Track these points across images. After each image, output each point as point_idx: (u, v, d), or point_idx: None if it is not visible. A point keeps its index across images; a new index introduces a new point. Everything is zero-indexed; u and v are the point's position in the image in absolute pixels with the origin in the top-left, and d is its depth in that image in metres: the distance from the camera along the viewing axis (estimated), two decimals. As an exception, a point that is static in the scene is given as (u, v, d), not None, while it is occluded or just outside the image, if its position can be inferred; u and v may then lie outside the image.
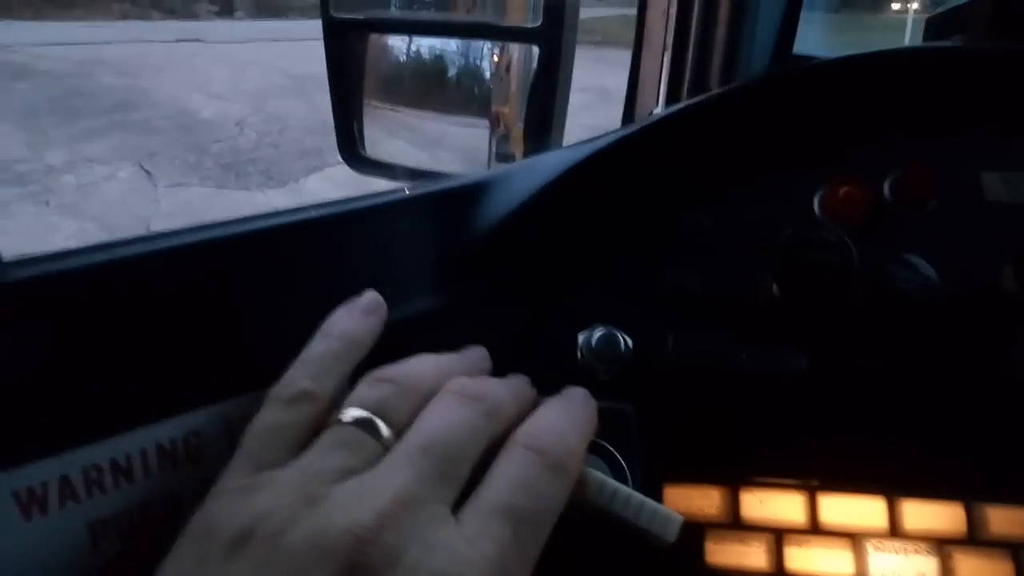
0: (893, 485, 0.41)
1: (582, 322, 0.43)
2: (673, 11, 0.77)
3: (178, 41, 9.17)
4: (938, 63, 0.49)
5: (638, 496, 0.34)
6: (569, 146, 0.47)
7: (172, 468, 0.33)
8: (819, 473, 0.40)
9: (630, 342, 0.42)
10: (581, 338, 0.43)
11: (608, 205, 0.46)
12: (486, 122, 1.16)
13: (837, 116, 0.48)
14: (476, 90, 1.22)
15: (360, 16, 0.88)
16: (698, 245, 0.46)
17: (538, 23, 0.80)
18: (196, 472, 0.34)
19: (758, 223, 0.45)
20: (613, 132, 0.47)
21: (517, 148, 0.98)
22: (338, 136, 0.95)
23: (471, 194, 0.45)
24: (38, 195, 4.62)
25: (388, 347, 0.39)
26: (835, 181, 0.46)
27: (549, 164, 0.46)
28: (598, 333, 0.42)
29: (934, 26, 0.59)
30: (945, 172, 0.46)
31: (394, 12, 1.00)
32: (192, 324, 0.34)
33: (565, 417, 0.34)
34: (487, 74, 1.20)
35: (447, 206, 0.44)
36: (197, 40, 9.25)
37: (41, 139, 5.62)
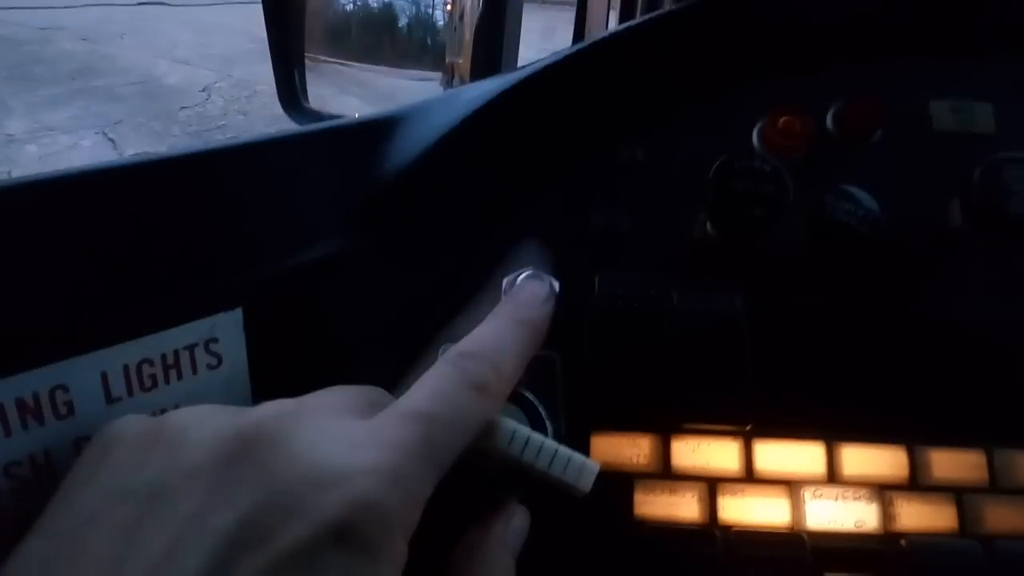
0: (832, 430, 0.39)
1: (506, 265, 0.40)
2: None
3: (140, 4, 8.90)
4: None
5: (551, 445, 0.32)
6: (494, 76, 0.44)
7: (37, 426, 0.30)
8: (754, 419, 0.38)
9: (556, 285, 0.40)
10: (504, 282, 0.40)
11: (534, 138, 0.43)
12: (440, 75, 1.12)
13: (779, 42, 0.45)
14: (429, 41, 1.17)
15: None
16: (630, 181, 0.43)
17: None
18: (66, 431, 0.31)
19: (694, 157, 0.42)
20: (540, 61, 0.43)
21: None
22: (278, 89, 0.90)
23: (386, 128, 0.41)
24: (-2, 166, 4.49)
25: (293, 293, 0.37)
26: (775, 111, 0.43)
27: (471, 95, 0.43)
28: (522, 276, 0.39)
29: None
30: (892, 101, 0.43)
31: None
32: (65, 262, 0.31)
33: (503, 336, 0.32)
34: (440, 24, 1.15)
35: (359, 141, 0.41)
36: (161, 3, 8.99)
37: (0, 108, 5.45)
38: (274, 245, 0.36)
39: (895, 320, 0.40)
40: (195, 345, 0.34)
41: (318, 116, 0.91)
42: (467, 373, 0.29)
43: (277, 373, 0.36)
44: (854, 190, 0.39)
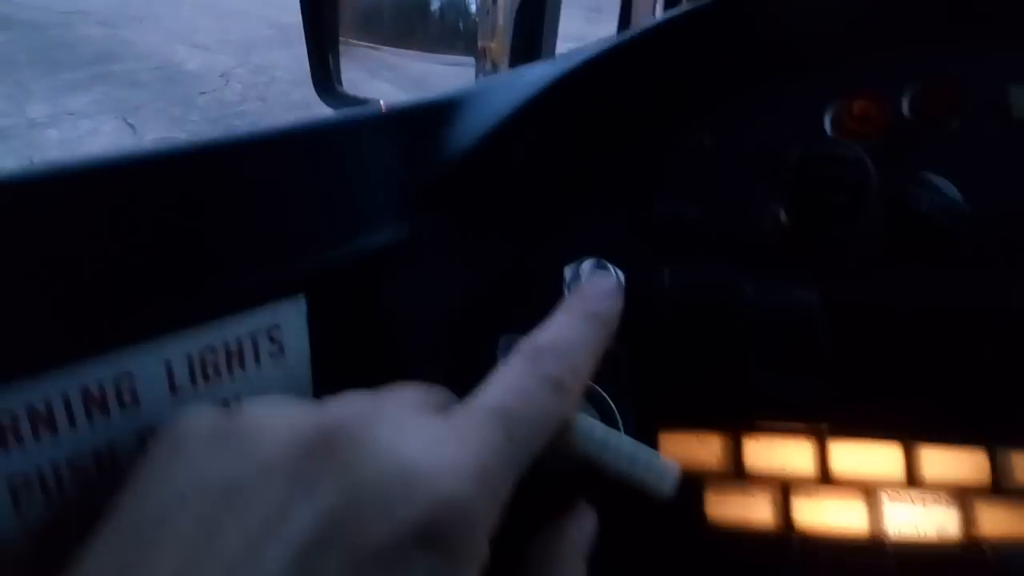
0: (910, 430, 0.37)
1: (569, 255, 0.39)
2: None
3: (160, -10, 8.93)
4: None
5: (630, 444, 0.30)
6: (555, 58, 0.42)
7: (101, 416, 0.29)
8: (830, 417, 0.37)
9: (622, 277, 0.38)
10: (568, 272, 0.38)
11: (598, 124, 0.42)
12: (472, 60, 1.10)
13: (851, 23, 0.43)
14: (461, 25, 1.16)
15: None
16: (698, 169, 0.41)
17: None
18: (130, 422, 0.30)
19: (763, 143, 0.41)
20: (603, 41, 0.41)
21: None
22: (312, 73, 0.89)
23: (446, 112, 0.40)
24: (20, 151, 4.51)
25: (356, 281, 0.35)
26: (849, 96, 0.41)
27: (532, 78, 0.41)
28: (586, 266, 0.38)
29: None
30: (969, 87, 0.41)
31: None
32: (128, 248, 0.30)
33: (576, 331, 0.31)
34: (472, 7, 1.14)
35: (420, 125, 0.39)
36: (179, -11, 9.01)
37: (22, 92, 5.48)
38: (337, 231, 0.34)
39: (976, 315, 0.38)
40: (258, 333, 0.32)
41: (352, 100, 0.90)
42: (544, 369, 0.28)
43: (338, 364, 0.35)
44: (937, 179, 0.37)
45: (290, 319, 0.33)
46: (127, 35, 6.90)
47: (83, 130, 4.83)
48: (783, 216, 0.38)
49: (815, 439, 0.37)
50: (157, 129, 4.92)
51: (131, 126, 4.93)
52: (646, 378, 0.37)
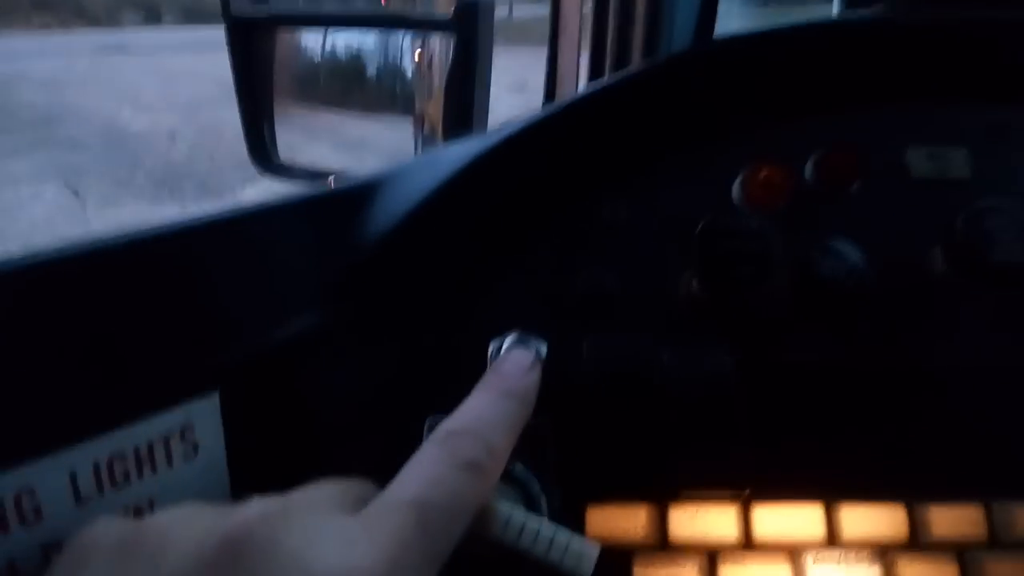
0: (830, 489, 0.38)
1: (493, 330, 0.39)
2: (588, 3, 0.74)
3: (103, 52, 8.87)
4: (855, 35, 0.46)
5: (549, 529, 0.30)
6: (474, 137, 0.43)
7: (1, 534, 0.28)
8: (752, 481, 0.37)
9: (543, 350, 0.39)
10: (492, 347, 0.39)
11: (517, 199, 0.43)
12: (411, 121, 1.11)
13: (754, 94, 0.45)
14: (399, 88, 1.17)
15: (263, 12, 0.83)
16: (615, 240, 0.42)
17: (450, 12, 0.76)
18: (33, 537, 0.29)
19: (677, 213, 0.42)
20: (521, 119, 0.43)
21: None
22: (248, 142, 0.89)
23: (363, 195, 0.40)
24: (-41, 218, 4.38)
25: (271, 373, 0.35)
26: (755, 164, 0.43)
27: (450, 157, 0.42)
28: (509, 341, 0.38)
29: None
30: (869, 150, 0.43)
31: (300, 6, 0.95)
32: (26, 357, 0.29)
33: (491, 410, 0.31)
34: (409, 71, 1.15)
35: (336, 209, 0.40)
36: (123, 51, 8.96)
37: (-40, 160, 5.35)
38: (251, 322, 0.34)
39: (883, 373, 0.39)
40: (170, 435, 0.32)
41: (288, 170, 0.91)
42: (457, 453, 0.28)
43: (256, 460, 0.34)
44: (839, 244, 0.39)
45: (203, 417, 0.33)
46: (70, 98, 6.82)
47: (24, 195, 4.72)
48: (695, 285, 0.39)
49: (739, 504, 0.37)
50: (102, 192, 4.84)
51: (75, 191, 4.84)
52: (571, 452, 0.37)
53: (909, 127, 0.45)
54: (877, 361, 0.39)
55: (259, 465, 0.34)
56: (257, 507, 0.25)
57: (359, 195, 0.40)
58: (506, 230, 0.42)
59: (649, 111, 0.44)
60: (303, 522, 0.24)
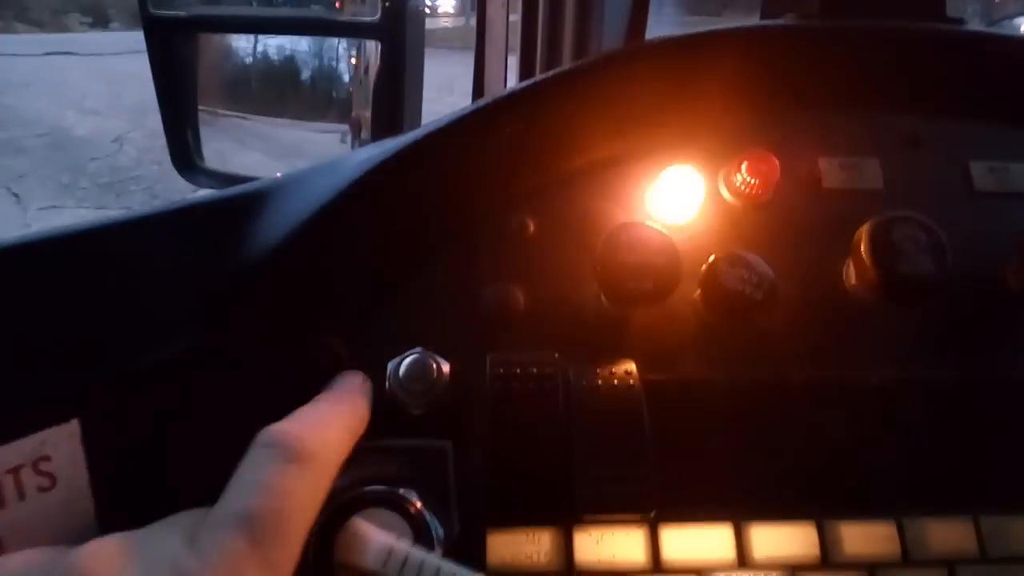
0: (739, 508, 0.37)
1: (392, 347, 0.37)
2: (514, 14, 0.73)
3: (47, 55, 8.62)
4: (768, 42, 0.45)
5: (432, 563, 0.29)
6: (378, 143, 0.41)
7: None
8: (659, 504, 0.36)
9: (445, 368, 0.37)
10: (391, 367, 0.37)
11: (420, 209, 0.41)
12: (347, 127, 1.09)
13: (667, 101, 0.44)
14: (334, 94, 1.14)
15: (182, 13, 0.80)
16: (522, 252, 0.41)
17: (376, 17, 0.74)
18: None
19: (585, 224, 0.41)
20: (421, 128, 0.41)
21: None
22: (170, 146, 0.86)
23: (252, 204, 0.38)
24: None
25: (140, 399, 0.33)
26: (668, 174, 0.41)
27: (350, 164, 0.40)
28: (408, 359, 0.37)
29: (770, 6, 0.56)
30: (783, 160, 0.43)
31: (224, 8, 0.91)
32: None
33: (319, 409, 0.31)
34: (345, 77, 1.13)
35: (220, 220, 0.37)
36: (69, 53, 8.72)
37: None
38: (116, 345, 0.32)
39: (792, 387, 0.38)
40: (20, 467, 0.29)
41: (215, 175, 0.87)
42: (279, 449, 0.27)
43: (126, 490, 0.32)
44: (747, 255, 0.37)
45: (61, 447, 0.30)
46: (10, 101, 6.60)
47: (-39, 202, 4.56)
48: (603, 298, 0.37)
49: (646, 526, 0.36)
50: (44, 197, 4.69)
51: (15, 195, 4.69)
52: (471, 474, 0.36)
53: (821, 137, 0.45)
54: (786, 376, 0.38)
55: (129, 495, 0.32)
56: (96, 547, 0.24)
57: (248, 203, 0.38)
58: (410, 241, 0.40)
59: (558, 120, 0.43)
60: (142, 560, 0.24)
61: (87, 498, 0.31)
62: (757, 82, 0.46)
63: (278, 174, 0.40)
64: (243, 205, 0.37)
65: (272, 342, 0.35)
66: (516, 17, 0.78)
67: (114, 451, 0.31)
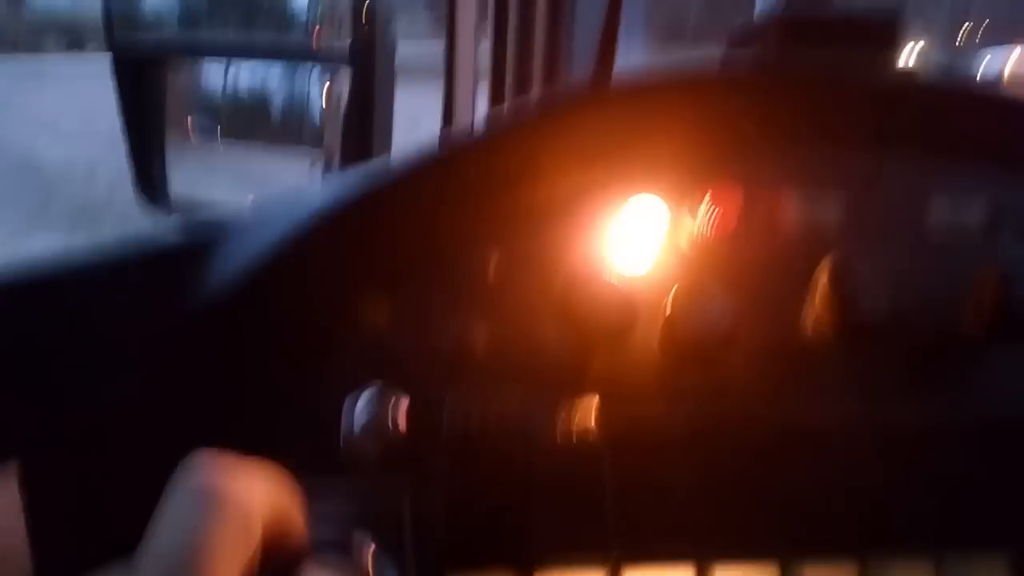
0: (702, 548, 0.36)
1: (349, 382, 0.36)
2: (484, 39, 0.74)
3: (21, 78, 8.56)
4: (729, 83, 0.45)
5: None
6: (343, 173, 0.41)
7: None
8: (621, 544, 0.35)
9: (404, 404, 0.36)
10: (348, 403, 0.36)
11: (379, 246, 0.40)
12: (320, 153, 1.08)
13: (631, 139, 0.44)
14: (306, 121, 1.14)
15: (152, 42, 0.79)
16: (484, 288, 0.40)
17: (346, 44, 0.74)
18: None
19: (546, 261, 0.40)
20: (384, 165, 0.40)
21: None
22: (136, 177, 0.85)
23: (210, 244, 0.37)
24: None
25: (81, 442, 0.31)
26: (630, 206, 0.41)
27: (309, 200, 0.39)
28: (365, 399, 0.36)
29: (734, 41, 0.56)
30: (746, 194, 0.43)
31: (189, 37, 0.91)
32: None
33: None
34: (317, 105, 1.12)
35: (172, 263, 0.37)
36: (43, 77, 8.66)
37: None
38: (59, 386, 0.31)
39: (755, 428, 0.38)
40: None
41: (181, 204, 0.86)
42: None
43: (63, 535, 0.30)
44: (711, 293, 0.37)
45: (-4, 492, 0.29)
46: (-19, 125, 6.54)
47: (-75, 227, 4.48)
48: (561, 341, 0.37)
49: (608, 569, 0.35)
50: (13, 223, 4.63)
51: (-16, 220, 4.62)
52: (429, 517, 0.35)
53: (784, 171, 0.45)
54: (747, 417, 0.38)
55: (65, 541, 0.30)
56: None
57: (202, 244, 0.37)
58: (367, 278, 0.40)
59: (522, 158, 0.43)
60: None
61: (22, 545, 0.30)
62: (720, 120, 0.46)
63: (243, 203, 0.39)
64: (198, 245, 0.36)
65: (221, 386, 0.34)
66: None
67: (54, 498, 0.30)
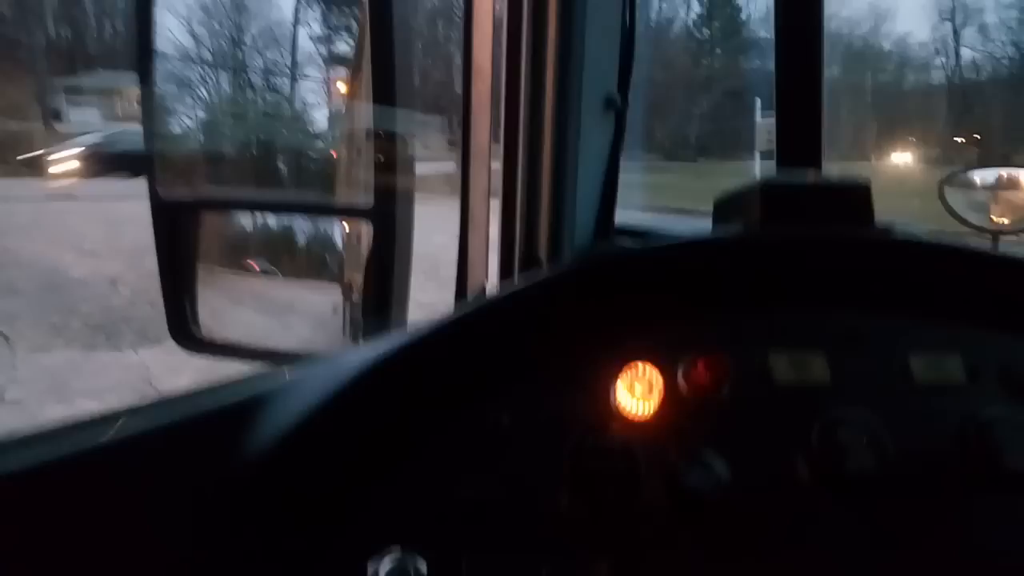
0: None
1: (368, 543, 0.39)
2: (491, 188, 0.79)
3: (50, 198, 8.90)
4: (716, 252, 0.50)
5: None
6: (370, 345, 0.45)
7: None
8: None
9: (424, 570, 0.39)
10: (370, 568, 0.39)
11: (397, 411, 0.44)
12: (339, 287, 1.14)
13: (632, 306, 0.48)
14: (328, 257, 1.21)
15: (190, 196, 0.86)
16: (497, 448, 0.44)
17: (370, 202, 0.80)
18: None
19: (556, 420, 0.44)
20: (416, 329, 0.45)
21: (371, 314, 0.96)
22: (168, 315, 0.90)
23: (249, 410, 0.41)
24: None
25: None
26: (631, 370, 0.45)
27: (338, 370, 0.43)
28: (388, 563, 0.39)
29: (719, 208, 0.62)
30: (735, 355, 0.46)
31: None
32: None
33: None
34: (339, 241, 1.19)
35: (220, 427, 0.40)
36: (70, 197, 9.00)
37: None
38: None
39: None
40: None
41: (209, 345, 0.91)
42: None
43: None
44: (707, 454, 0.41)
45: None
46: (8, 243, 6.75)
47: (-50, 345, 4.56)
48: (567, 502, 0.40)
49: None
50: (34, 339, 4.70)
51: (4, 336, 4.70)
52: None
53: (772, 332, 0.49)
54: (740, 572, 0.40)
55: None
56: None
57: (241, 411, 0.41)
58: (393, 441, 0.43)
59: (534, 324, 0.47)
60: None
61: None
62: (710, 286, 0.50)
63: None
64: (236, 413, 0.40)
65: (255, 549, 0.37)
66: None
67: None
